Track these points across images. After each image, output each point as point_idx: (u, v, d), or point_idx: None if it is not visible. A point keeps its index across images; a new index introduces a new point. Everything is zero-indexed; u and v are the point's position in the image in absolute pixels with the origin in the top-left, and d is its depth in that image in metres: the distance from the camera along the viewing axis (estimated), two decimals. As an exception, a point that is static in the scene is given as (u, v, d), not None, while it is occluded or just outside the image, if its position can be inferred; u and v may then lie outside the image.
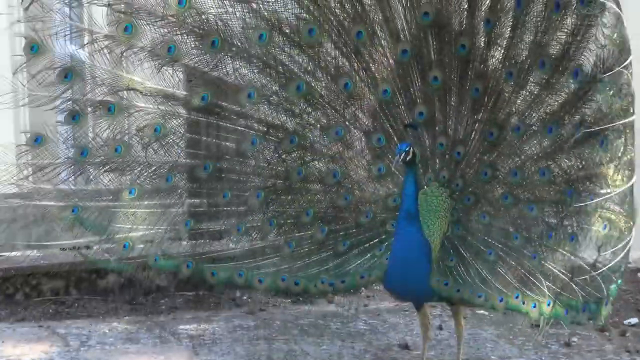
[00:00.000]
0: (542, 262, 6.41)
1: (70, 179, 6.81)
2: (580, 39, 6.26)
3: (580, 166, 6.36)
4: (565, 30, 6.29)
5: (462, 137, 6.59)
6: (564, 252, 6.43)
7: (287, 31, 6.55)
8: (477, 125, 6.56)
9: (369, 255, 6.71)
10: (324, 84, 6.70)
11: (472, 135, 6.59)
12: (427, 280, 6.40)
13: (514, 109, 6.50)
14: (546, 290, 6.30)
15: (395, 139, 6.66)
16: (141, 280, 7.88)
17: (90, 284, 8.34)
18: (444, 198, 6.57)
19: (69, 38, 6.67)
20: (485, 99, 6.51)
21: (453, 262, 6.46)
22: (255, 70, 6.67)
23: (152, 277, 7.67)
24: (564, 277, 6.33)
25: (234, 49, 6.57)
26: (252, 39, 6.53)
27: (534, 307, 6.37)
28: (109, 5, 6.40)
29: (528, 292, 6.36)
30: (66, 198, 6.75)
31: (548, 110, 6.43)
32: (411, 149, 6.25)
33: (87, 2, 6.47)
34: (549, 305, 6.31)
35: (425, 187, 6.59)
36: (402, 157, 6.19)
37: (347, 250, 6.73)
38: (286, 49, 6.60)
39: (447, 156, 6.64)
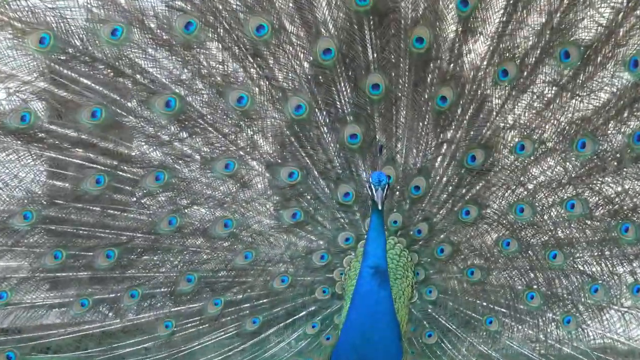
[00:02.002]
0: (582, 326, 5.58)
1: None
2: None
3: None
4: (613, 3, 5.18)
5: (421, 166, 5.61)
6: (622, 310, 5.58)
7: (152, 26, 5.45)
8: (445, 147, 5.57)
9: (295, 335, 5.79)
10: (205, 99, 5.57)
11: (438, 162, 5.60)
12: None
13: (510, 121, 5.51)
14: None
15: (315, 172, 5.66)
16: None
17: None
18: (399, 252, 5.57)
19: None
20: (458, 111, 5.53)
21: (433, 337, 5.64)
22: (103, 80, 5.57)
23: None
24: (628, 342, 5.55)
25: (70, 49, 5.46)
26: (101, 36, 5.43)
27: None
28: None
29: None
30: None
31: (575, 119, 5.43)
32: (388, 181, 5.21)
33: None
34: None
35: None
36: (386, 192, 5.07)
37: (258, 330, 5.81)
38: (149, 50, 5.49)
39: (397, 193, 5.63)
